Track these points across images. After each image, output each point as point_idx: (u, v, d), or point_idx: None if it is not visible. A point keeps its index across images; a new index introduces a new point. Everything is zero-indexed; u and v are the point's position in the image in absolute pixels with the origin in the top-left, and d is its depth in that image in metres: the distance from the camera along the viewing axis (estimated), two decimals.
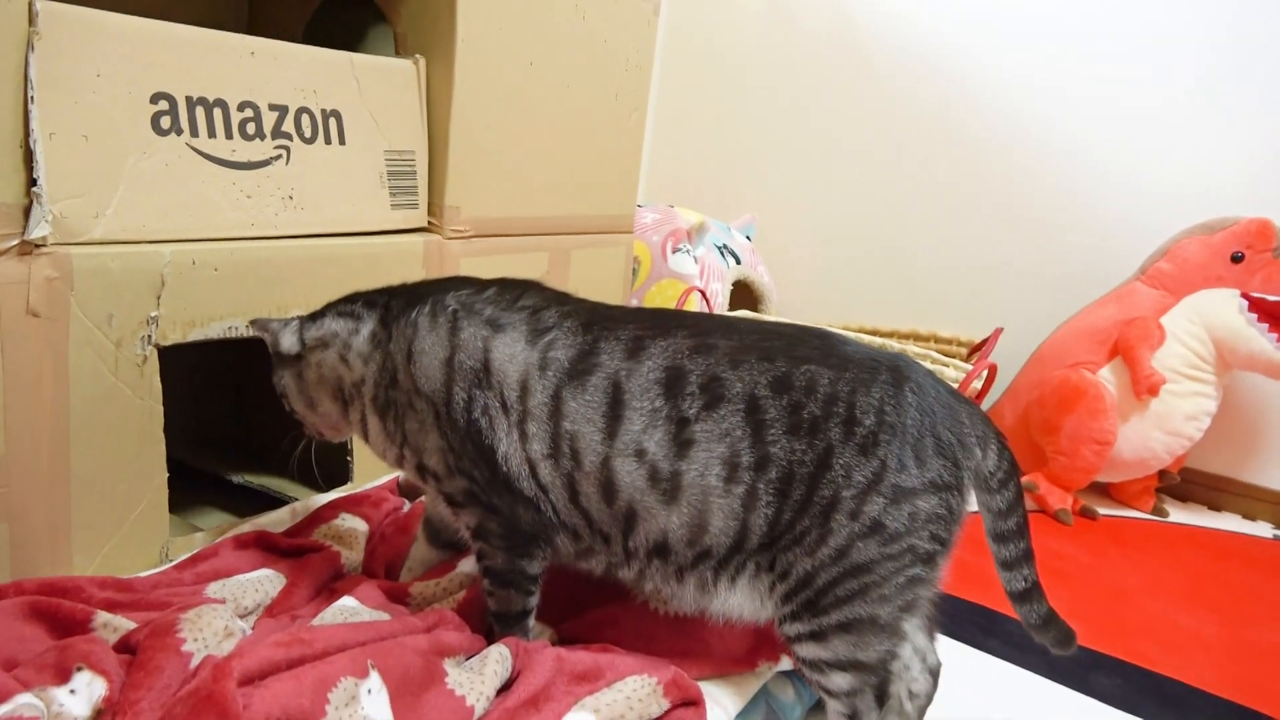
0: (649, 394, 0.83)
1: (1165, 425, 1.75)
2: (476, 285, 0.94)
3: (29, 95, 0.88)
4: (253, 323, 1.02)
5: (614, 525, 0.86)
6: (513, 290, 0.93)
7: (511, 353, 0.87)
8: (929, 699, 0.91)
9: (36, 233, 0.90)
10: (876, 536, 0.78)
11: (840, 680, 0.82)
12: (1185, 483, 1.94)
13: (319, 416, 1.00)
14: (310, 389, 0.99)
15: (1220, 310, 1.73)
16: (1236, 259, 1.74)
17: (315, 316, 0.99)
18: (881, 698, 0.83)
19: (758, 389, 0.81)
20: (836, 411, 0.80)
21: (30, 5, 0.87)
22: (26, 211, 0.90)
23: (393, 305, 0.95)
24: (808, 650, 0.83)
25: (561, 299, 0.93)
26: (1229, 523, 1.87)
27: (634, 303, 2.11)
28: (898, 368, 0.83)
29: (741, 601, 0.85)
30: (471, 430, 0.87)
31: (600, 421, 0.83)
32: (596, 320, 0.88)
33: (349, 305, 0.98)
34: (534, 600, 0.93)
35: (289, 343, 0.98)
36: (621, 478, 0.83)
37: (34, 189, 0.89)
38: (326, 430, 1.03)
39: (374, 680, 0.76)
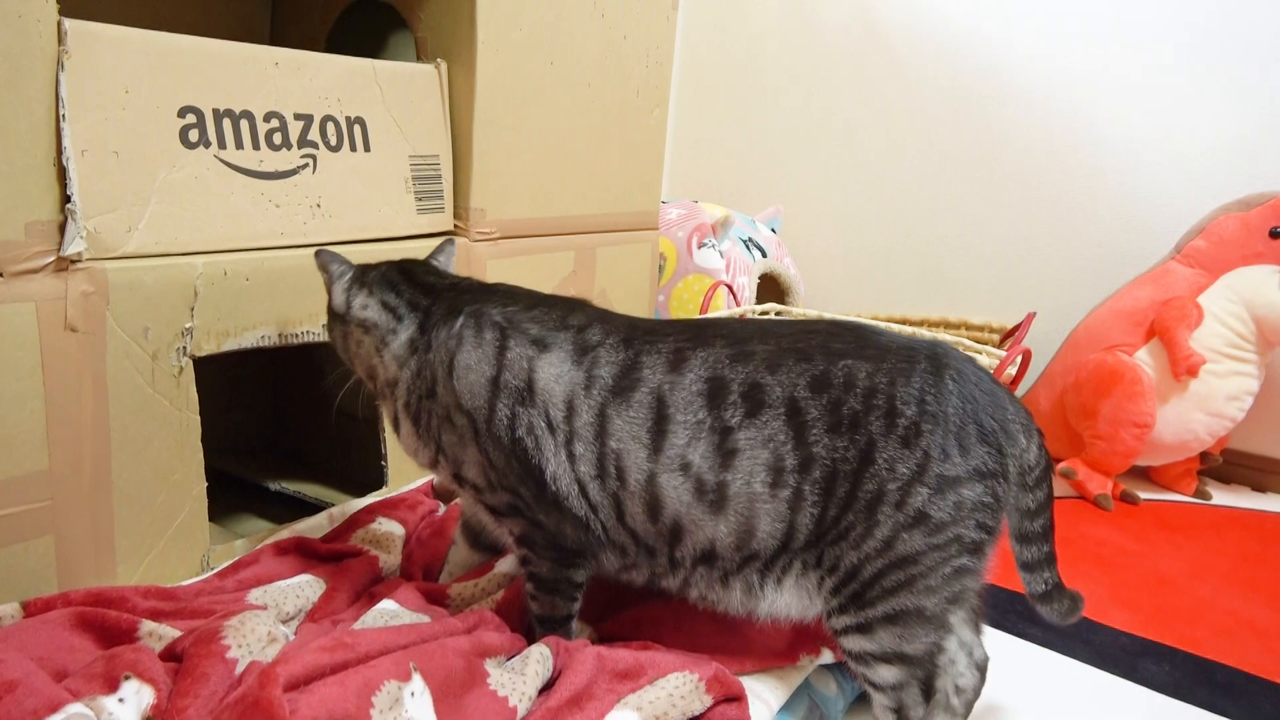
0: (692, 406, 0.82)
1: (1206, 406, 1.72)
2: (523, 300, 0.92)
3: (60, 113, 0.89)
4: (318, 254, 0.99)
5: (659, 540, 0.85)
6: (560, 308, 0.91)
7: (558, 372, 0.86)
8: (976, 693, 0.90)
9: (72, 249, 0.91)
10: (922, 527, 0.77)
11: (886, 673, 0.82)
12: (1228, 464, 1.90)
13: (362, 371, 1.00)
14: (351, 352, 0.99)
15: (1260, 287, 1.69)
16: (1276, 234, 1.70)
17: (364, 283, 0.96)
18: (928, 692, 0.83)
19: (797, 390, 0.80)
20: (877, 404, 0.79)
21: (59, 24, 0.88)
22: (62, 228, 0.91)
23: (434, 311, 0.93)
24: (854, 643, 0.82)
25: (604, 317, 0.91)
26: (1274, 504, 1.83)
27: (660, 299, 2.11)
28: (936, 355, 0.82)
29: (789, 600, 0.84)
30: (517, 449, 0.87)
31: (645, 438, 0.83)
32: (636, 335, 0.87)
33: (393, 297, 0.95)
34: (578, 605, 0.93)
35: (338, 300, 0.98)
36: (667, 493, 0.83)
37: (68, 206, 0.91)
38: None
39: (417, 683, 0.76)
